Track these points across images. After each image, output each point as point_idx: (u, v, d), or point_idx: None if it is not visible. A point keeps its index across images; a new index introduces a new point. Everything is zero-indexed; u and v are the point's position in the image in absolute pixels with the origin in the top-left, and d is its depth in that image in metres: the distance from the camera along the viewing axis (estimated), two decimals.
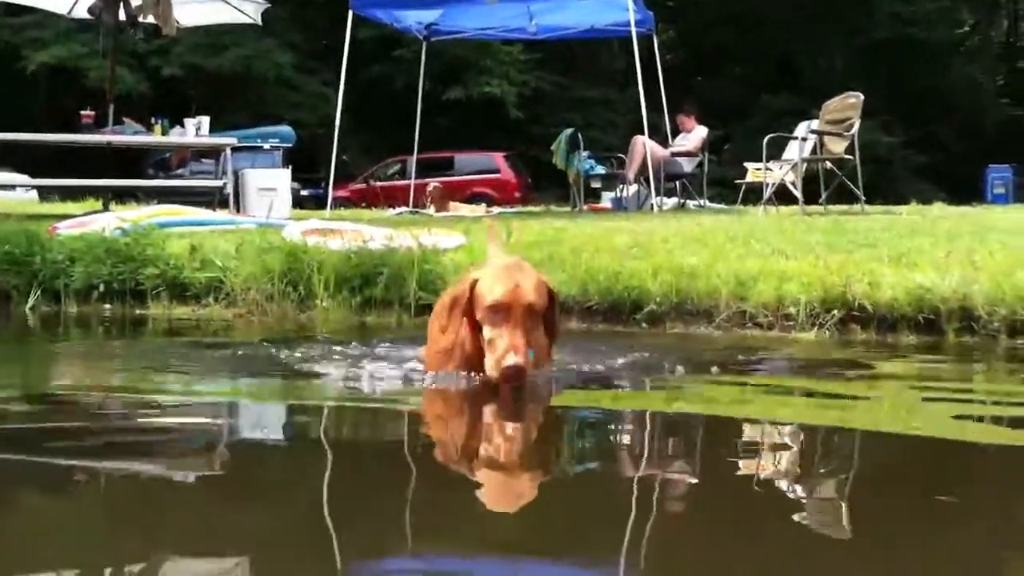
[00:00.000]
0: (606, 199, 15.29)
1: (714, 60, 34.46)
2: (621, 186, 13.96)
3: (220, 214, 9.89)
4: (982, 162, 22.51)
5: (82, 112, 11.82)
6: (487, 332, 3.36)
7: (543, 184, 24.61)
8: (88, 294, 6.64)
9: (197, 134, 11.61)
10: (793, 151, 11.53)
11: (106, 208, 10.97)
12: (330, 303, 6.12)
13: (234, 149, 11.92)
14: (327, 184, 14.34)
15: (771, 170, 11.67)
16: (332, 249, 6.46)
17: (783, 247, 6.74)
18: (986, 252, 6.21)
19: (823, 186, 11.39)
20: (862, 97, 10.83)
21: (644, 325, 5.64)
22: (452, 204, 14.24)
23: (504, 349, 3.26)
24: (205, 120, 11.63)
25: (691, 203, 13.50)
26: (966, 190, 21.32)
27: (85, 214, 9.47)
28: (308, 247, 6.53)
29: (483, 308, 3.36)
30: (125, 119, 13.52)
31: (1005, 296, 5.07)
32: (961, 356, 4.74)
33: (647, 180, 12.49)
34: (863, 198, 11.26)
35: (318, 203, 18.67)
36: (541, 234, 7.64)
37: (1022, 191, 21.37)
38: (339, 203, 17.97)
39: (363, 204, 20.78)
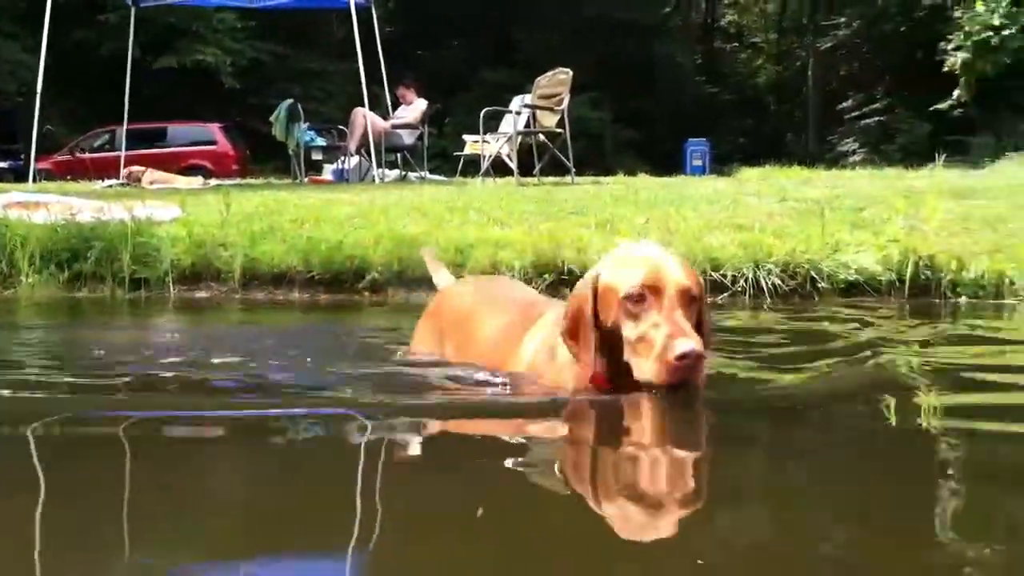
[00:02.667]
0: (328, 171, 15.21)
1: (435, 33, 34.79)
2: (343, 158, 13.93)
3: None
4: (683, 136, 23.97)
5: None
6: (630, 332, 2.47)
7: (263, 156, 24.09)
8: None
9: None
10: (508, 124, 11.92)
11: None
12: (36, 279, 5.84)
13: None
14: (27, 155, 13.46)
15: (488, 143, 12.02)
16: (37, 223, 6.16)
17: (499, 216, 7.04)
18: (680, 219, 6.75)
19: (536, 158, 11.87)
20: (571, 73, 11.34)
21: (367, 294, 5.75)
22: (164, 176, 13.70)
23: (667, 335, 2.39)
24: None
25: (412, 175, 13.67)
26: (669, 163, 22.70)
27: None
28: (10, 221, 6.19)
29: (617, 304, 2.48)
30: None
31: (697, 257, 5.55)
32: None
33: (368, 152, 12.55)
34: (573, 169, 11.82)
35: (17, 176, 17.52)
36: (261, 205, 7.58)
37: (717, 163, 22.97)
38: (42, 175, 16.90)
39: (69, 176, 19.61)
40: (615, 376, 2.56)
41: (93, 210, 6.46)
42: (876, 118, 30.47)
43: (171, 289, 5.85)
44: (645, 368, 2.42)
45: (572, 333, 2.59)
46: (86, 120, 25.20)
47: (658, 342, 2.39)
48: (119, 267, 5.88)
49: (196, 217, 6.71)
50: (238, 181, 15.58)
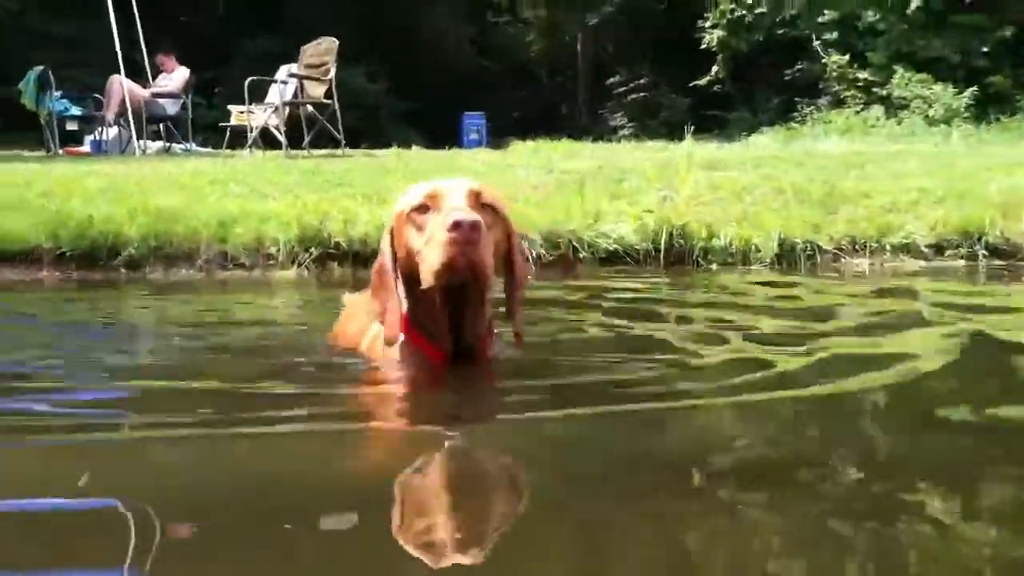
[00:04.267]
0: (87, 142, 14.44)
1: None
2: (100, 128, 13.25)
3: None
4: (460, 109, 24.08)
5: None
6: (418, 243, 2.29)
7: (15, 127, 22.61)
8: None
9: None
10: (275, 95, 11.66)
11: None
12: None
13: None
14: None
15: (254, 113, 11.71)
16: None
17: (264, 189, 6.89)
18: None
19: (306, 130, 11.66)
20: (336, 42, 11.18)
21: (123, 270, 5.51)
22: None
23: (441, 220, 2.20)
24: None
25: (177, 146, 13.16)
26: (446, 136, 22.76)
27: None
28: None
29: (406, 222, 2.33)
30: None
31: None
32: None
33: (128, 122, 12.00)
34: (343, 141, 11.67)
35: None
36: (7, 178, 7.14)
37: (495, 136, 23.22)
38: None
39: None
40: (424, 325, 2.42)
41: None
42: (641, 93, 31.54)
43: None
44: (427, 261, 2.21)
45: (377, 287, 2.44)
46: None
47: (436, 231, 2.20)
48: None
49: None
50: None
